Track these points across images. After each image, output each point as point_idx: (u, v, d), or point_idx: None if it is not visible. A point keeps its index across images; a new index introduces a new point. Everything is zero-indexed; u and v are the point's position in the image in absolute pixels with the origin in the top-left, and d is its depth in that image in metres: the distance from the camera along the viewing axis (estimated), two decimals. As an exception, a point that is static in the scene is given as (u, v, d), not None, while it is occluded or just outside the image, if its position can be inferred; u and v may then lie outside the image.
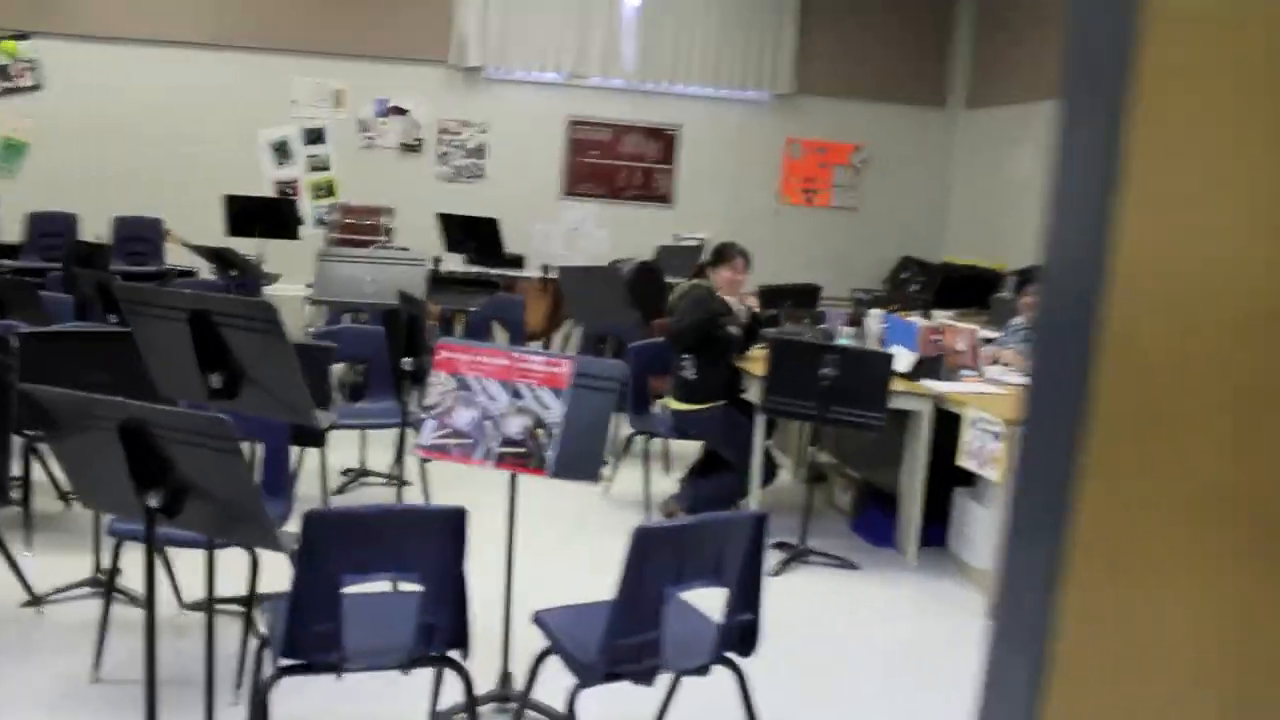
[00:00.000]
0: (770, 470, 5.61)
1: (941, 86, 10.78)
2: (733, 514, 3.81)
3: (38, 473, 4.97)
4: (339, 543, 2.52)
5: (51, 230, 8.96)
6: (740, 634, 2.83)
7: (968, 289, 9.08)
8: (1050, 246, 0.84)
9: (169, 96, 9.65)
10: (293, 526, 3.55)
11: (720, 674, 2.84)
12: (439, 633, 2.62)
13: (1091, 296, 0.79)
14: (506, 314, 7.27)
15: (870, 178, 10.78)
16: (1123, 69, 0.76)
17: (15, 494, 4.89)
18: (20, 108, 9.58)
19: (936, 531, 5.25)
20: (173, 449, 2.35)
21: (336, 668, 2.60)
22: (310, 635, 2.52)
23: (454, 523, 2.57)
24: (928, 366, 5.27)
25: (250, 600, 3.68)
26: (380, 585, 3.18)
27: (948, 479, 5.10)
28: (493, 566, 3.32)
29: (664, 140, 10.51)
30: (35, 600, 4.12)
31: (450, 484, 5.08)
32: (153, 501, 2.41)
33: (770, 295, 7.06)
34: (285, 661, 2.59)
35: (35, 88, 9.59)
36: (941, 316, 6.06)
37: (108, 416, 2.37)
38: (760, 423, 5.31)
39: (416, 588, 2.64)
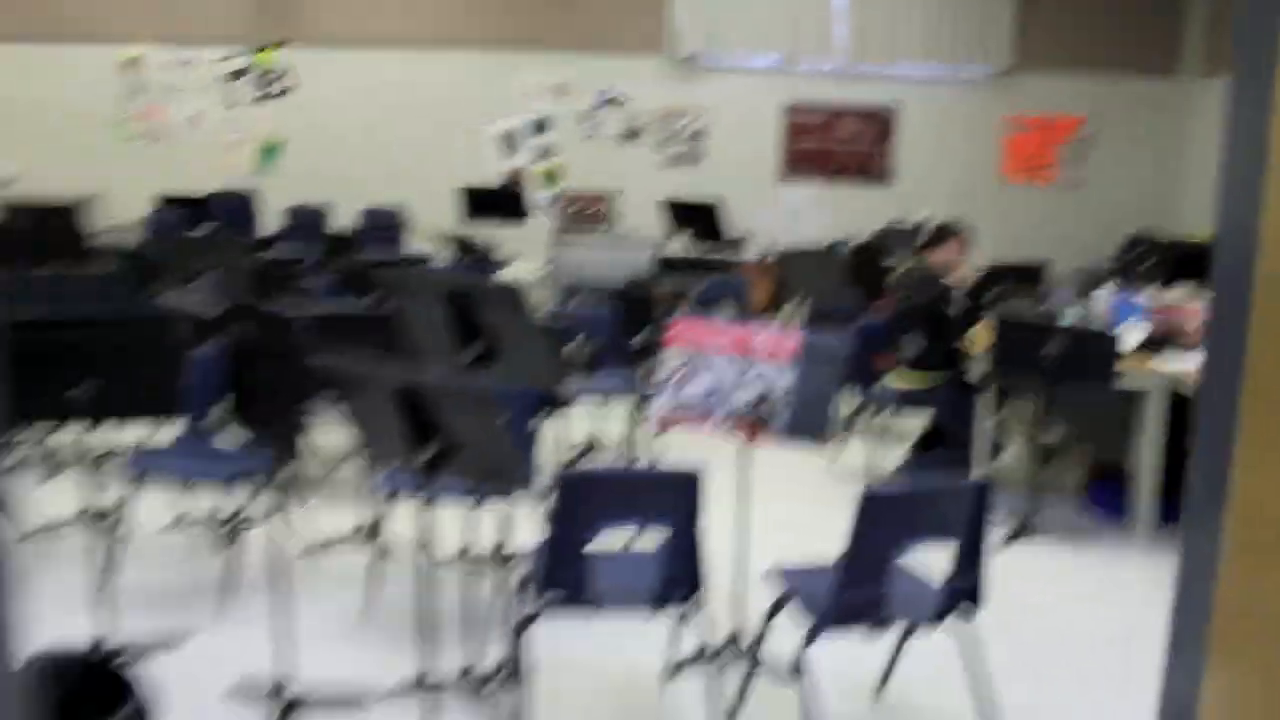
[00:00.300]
0: (996, 447, 5.62)
1: (1173, 53, 10.31)
2: (957, 481, 3.88)
3: (316, 433, 5.51)
4: (589, 499, 2.76)
5: (307, 222, 9.73)
6: (962, 597, 2.92)
7: (1201, 266, 8.68)
8: (1219, 222, 0.89)
9: (407, 95, 10.30)
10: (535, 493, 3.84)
11: (939, 647, 2.94)
12: (678, 583, 2.84)
13: (1246, 273, 0.83)
14: (730, 294, 7.45)
15: (1097, 152, 10.43)
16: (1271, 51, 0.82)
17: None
18: (277, 111, 10.41)
19: (1172, 509, 5.13)
20: (441, 410, 2.63)
21: (591, 603, 2.84)
22: (566, 577, 2.78)
23: (690, 484, 2.78)
24: (1157, 344, 5.16)
25: (503, 555, 4.01)
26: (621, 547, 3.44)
27: (1184, 456, 4.97)
28: (723, 532, 3.52)
29: (881, 121, 10.47)
30: (316, 547, 4.60)
31: (679, 455, 5.31)
32: (425, 456, 2.71)
33: (994, 274, 6.99)
34: (542, 598, 2.86)
35: (289, 92, 10.40)
36: (1173, 294, 5.88)
37: (387, 381, 2.67)
38: (985, 400, 5.33)
39: (657, 543, 2.86)
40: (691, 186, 9.85)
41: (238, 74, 10.42)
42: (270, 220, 9.81)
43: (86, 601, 3.56)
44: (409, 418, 2.70)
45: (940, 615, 2.92)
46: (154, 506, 4.68)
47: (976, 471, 5.35)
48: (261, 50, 10.35)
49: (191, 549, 4.65)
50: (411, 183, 10.02)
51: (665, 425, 3.56)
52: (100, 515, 4.72)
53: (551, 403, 4.29)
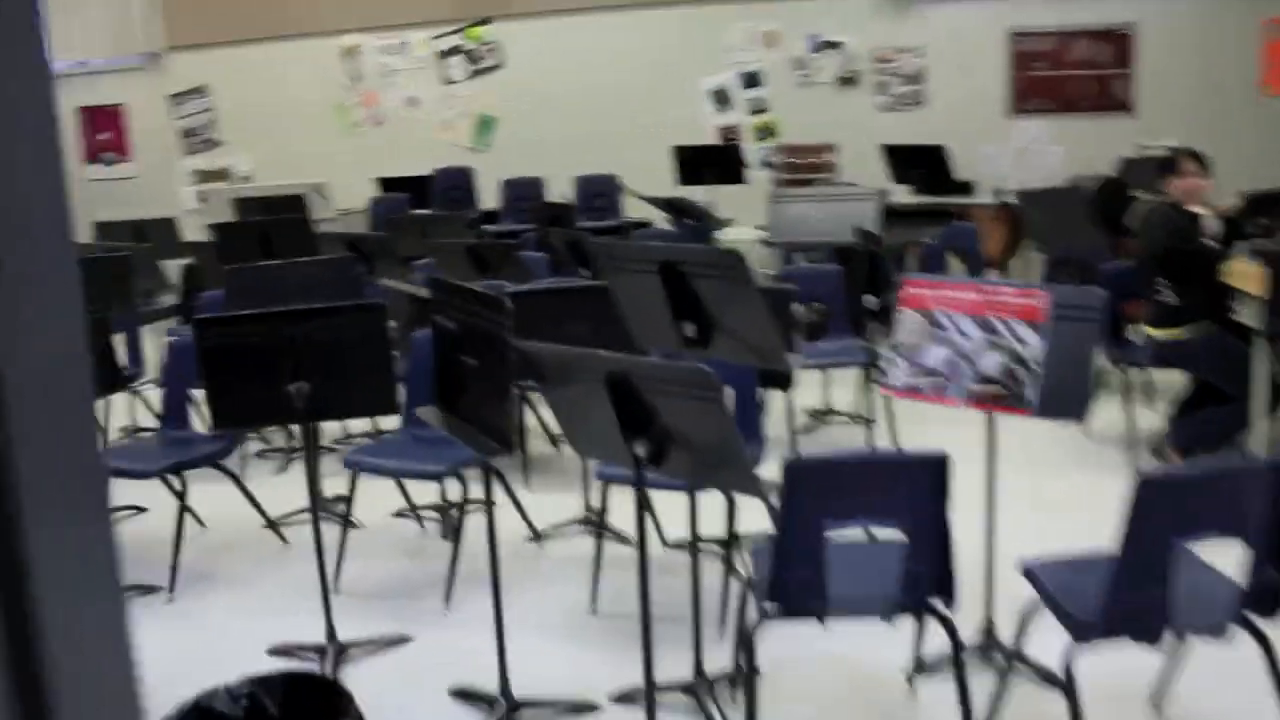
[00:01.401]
0: (1276, 398, 4.98)
1: None
2: (1249, 461, 3.40)
3: (530, 419, 5.44)
4: (819, 490, 2.50)
5: (523, 194, 9.76)
6: (1263, 593, 2.51)
7: None
8: None
9: (613, 59, 10.15)
10: (765, 469, 3.61)
11: (1231, 649, 2.54)
12: (923, 581, 2.54)
13: None
14: (961, 243, 6.98)
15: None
16: None
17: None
18: (488, 86, 10.48)
19: None
20: (656, 399, 2.42)
21: (820, 614, 2.59)
22: (794, 581, 2.53)
23: (936, 469, 2.47)
24: None
25: (729, 542, 3.80)
26: (860, 534, 3.17)
27: None
28: (969, 510, 3.19)
29: (1118, 42, 9.59)
30: (537, 536, 4.51)
31: (916, 422, 4.96)
32: (639, 450, 2.50)
33: (1258, 202, 6.24)
34: (770, 605, 2.62)
35: (498, 66, 10.44)
36: None
37: (594, 369, 2.48)
38: (1261, 346, 4.72)
39: (897, 535, 2.57)
40: (915, 130, 9.30)
41: (449, 53, 10.53)
42: (489, 196, 9.90)
43: (316, 595, 3.56)
44: (621, 407, 2.51)
45: (1235, 619, 2.51)
46: (380, 495, 4.70)
47: (1256, 434, 4.75)
48: (470, 27, 10.42)
49: (417, 539, 4.66)
50: (624, 148, 9.89)
51: (902, 396, 3.25)
52: (328, 506, 4.79)
53: (776, 377, 4.03)
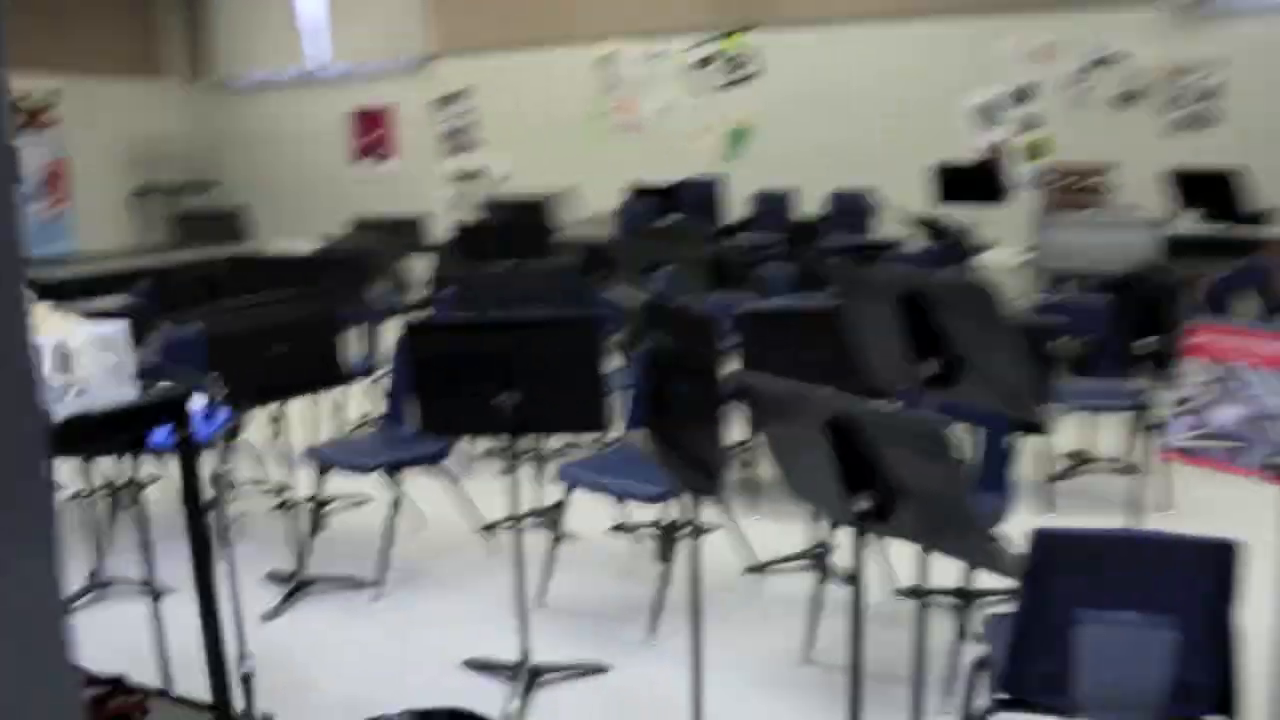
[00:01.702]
0: None
1: None
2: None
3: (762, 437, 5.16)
4: (1073, 569, 2.11)
5: (772, 207, 9.48)
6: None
7: None
8: None
9: (875, 71, 9.72)
10: (1011, 523, 3.20)
11: None
12: (1197, 691, 2.10)
13: None
14: (1255, 281, 6.21)
15: None
16: None
17: (742, 459, 5.11)
18: (744, 95, 10.25)
19: None
20: (881, 449, 2.10)
21: (1063, 713, 2.19)
22: (1035, 672, 2.15)
23: (1221, 558, 2.03)
24: None
25: (965, 596, 3.40)
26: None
27: None
28: (1259, 603, 2.69)
29: None
30: (757, 568, 4.22)
31: (1193, 481, 4.38)
32: (861, 504, 2.18)
33: None
34: (1003, 695, 2.24)
35: (756, 76, 10.20)
36: None
37: (813, 410, 2.18)
38: None
39: (1169, 631, 2.14)
40: (1206, 152, 8.44)
41: (705, 62, 10.37)
42: (738, 207, 9.68)
43: (517, 609, 3.40)
44: (841, 454, 2.19)
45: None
46: (597, 507, 4.52)
47: None
48: (728, 36, 10.23)
49: (629, 558, 4.46)
50: (880, 164, 9.45)
51: (1184, 461, 2.77)
52: (543, 515, 4.66)
53: (1030, 426, 3.59)
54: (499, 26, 11.03)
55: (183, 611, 3.21)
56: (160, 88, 13.11)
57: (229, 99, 13.08)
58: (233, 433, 4.81)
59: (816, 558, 4.06)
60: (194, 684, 2.90)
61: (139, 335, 5.50)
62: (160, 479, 5.23)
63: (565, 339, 3.33)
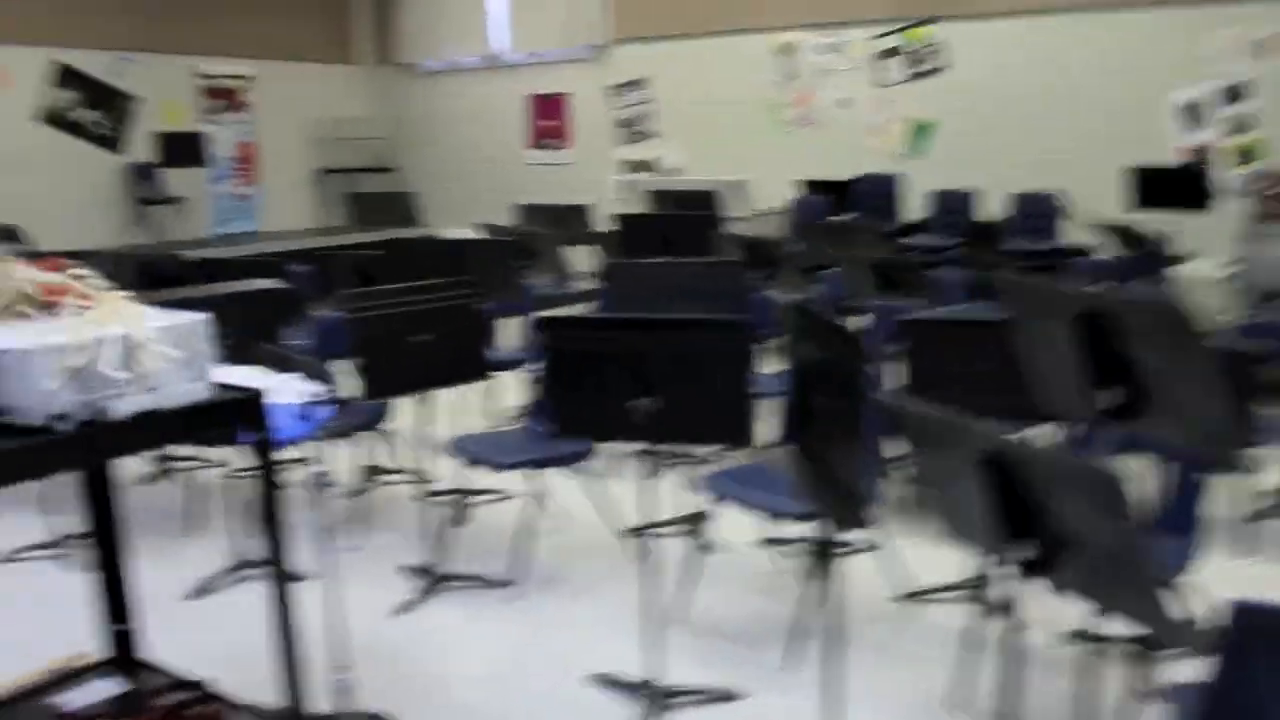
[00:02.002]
0: None
1: None
2: None
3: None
4: (1275, 651, 1.78)
5: (952, 208, 9.04)
6: None
7: None
8: None
9: (1070, 64, 9.15)
10: (1197, 571, 2.83)
11: None
12: None
13: None
14: None
15: None
16: None
17: (900, 475, 4.80)
18: (927, 90, 9.81)
19: None
20: (1044, 494, 1.82)
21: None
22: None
23: None
24: None
25: (1146, 643, 3.05)
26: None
27: None
28: None
29: None
30: (909, 596, 3.93)
31: None
32: (1020, 553, 1.91)
33: None
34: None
35: (940, 70, 9.74)
36: None
37: (967, 443, 1.91)
38: None
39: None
40: None
41: (888, 54, 9.97)
42: (915, 207, 9.27)
43: (654, 620, 3.22)
44: (998, 495, 1.92)
45: None
46: (742, 520, 4.30)
47: None
48: (913, 27, 9.80)
49: (775, 575, 4.21)
50: (1071, 165, 8.89)
51: None
52: (687, 523, 4.46)
53: (1227, 465, 3.20)
54: (678, 14, 10.87)
55: (308, 599, 3.17)
56: (347, 72, 13.46)
57: (412, 83, 13.32)
58: (376, 420, 4.77)
59: (976, 590, 3.75)
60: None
61: (292, 318, 5.56)
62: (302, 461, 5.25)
63: (711, 343, 3.12)
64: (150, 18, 11.46)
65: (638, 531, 4.49)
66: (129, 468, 5.58)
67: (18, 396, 1.57)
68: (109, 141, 11.37)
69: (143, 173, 11.50)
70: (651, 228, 6.24)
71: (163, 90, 11.73)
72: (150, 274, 5.39)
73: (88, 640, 2.37)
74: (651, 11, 11.08)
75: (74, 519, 4.60)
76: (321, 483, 5.33)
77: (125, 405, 1.63)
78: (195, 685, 1.97)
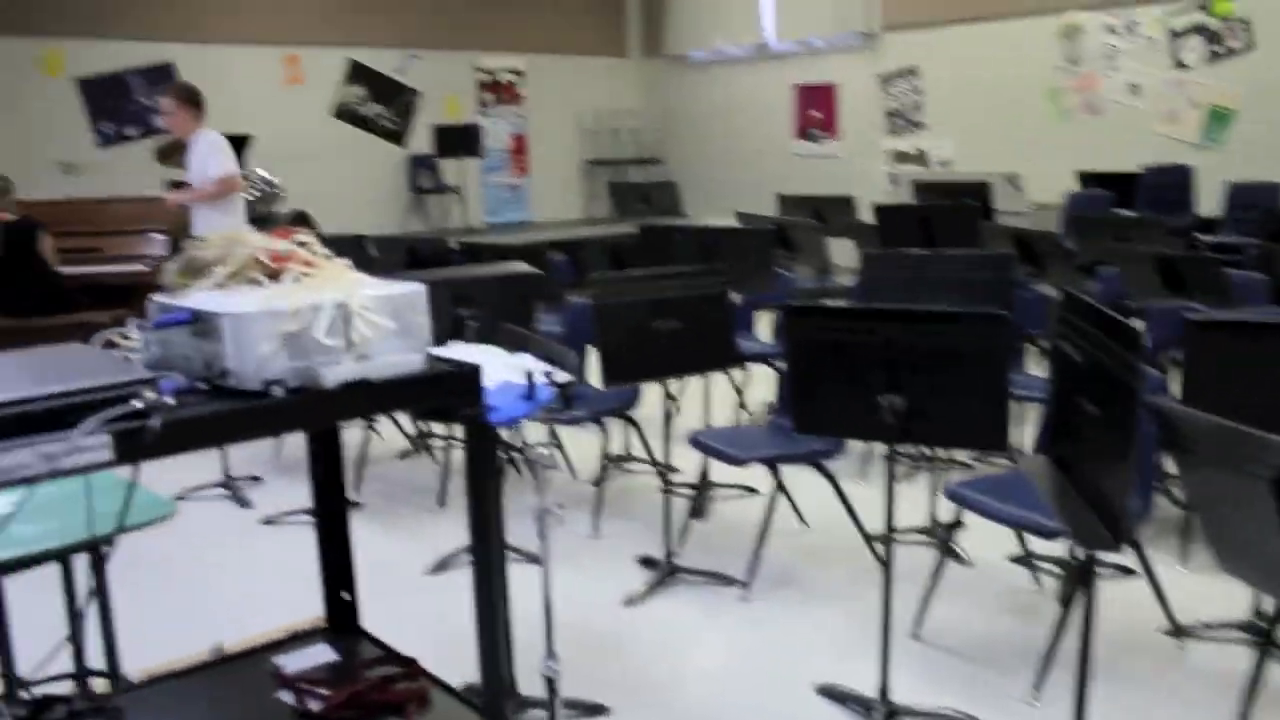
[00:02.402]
0: None
1: None
2: None
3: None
4: None
5: (1253, 202, 8.22)
6: None
7: None
8: None
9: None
10: None
11: None
12: None
13: None
14: None
15: None
16: None
17: (1174, 495, 4.38)
18: (1228, 72, 8.96)
19: None
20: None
21: None
22: None
23: None
24: None
25: None
26: None
27: None
28: None
29: None
30: (1178, 631, 3.54)
31: None
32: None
33: None
34: None
35: (1245, 50, 8.87)
36: None
37: (1262, 460, 1.64)
38: None
39: None
40: None
41: (1184, 33, 9.17)
42: (1210, 201, 8.50)
43: (891, 631, 3.02)
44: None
45: None
46: (994, 533, 4.01)
47: None
48: (1216, 2, 8.97)
49: (1029, 595, 3.90)
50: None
51: None
52: (938, 533, 4.21)
53: None
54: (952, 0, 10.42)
55: (561, 581, 3.14)
56: (617, 64, 13.67)
57: (680, 75, 13.38)
58: (624, 407, 4.75)
59: (1257, 631, 3.34)
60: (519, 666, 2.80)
61: (544, 302, 5.63)
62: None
63: (967, 337, 2.89)
64: (434, 16, 12.01)
65: (880, 538, 4.27)
66: (390, 443, 5.82)
67: (235, 360, 1.58)
68: (393, 134, 11.99)
69: (422, 163, 12.07)
70: (914, 219, 5.96)
71: (444, 85, 12.26)
72: (414, 256, 5.59)
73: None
74: (924, -3, 10.68)
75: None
76: (546, 465, 5.35)
77: (337, 372, 1.61)
78: (408, 661, 1.95)
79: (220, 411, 1.54)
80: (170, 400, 1.52)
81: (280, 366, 1.59)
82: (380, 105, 11.87)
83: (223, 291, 1.75)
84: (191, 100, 6.28)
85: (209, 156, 6.18)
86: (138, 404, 1.45)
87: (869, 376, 2.97)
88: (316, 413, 1.63)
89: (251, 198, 7.29)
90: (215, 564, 4.38)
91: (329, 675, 1.93)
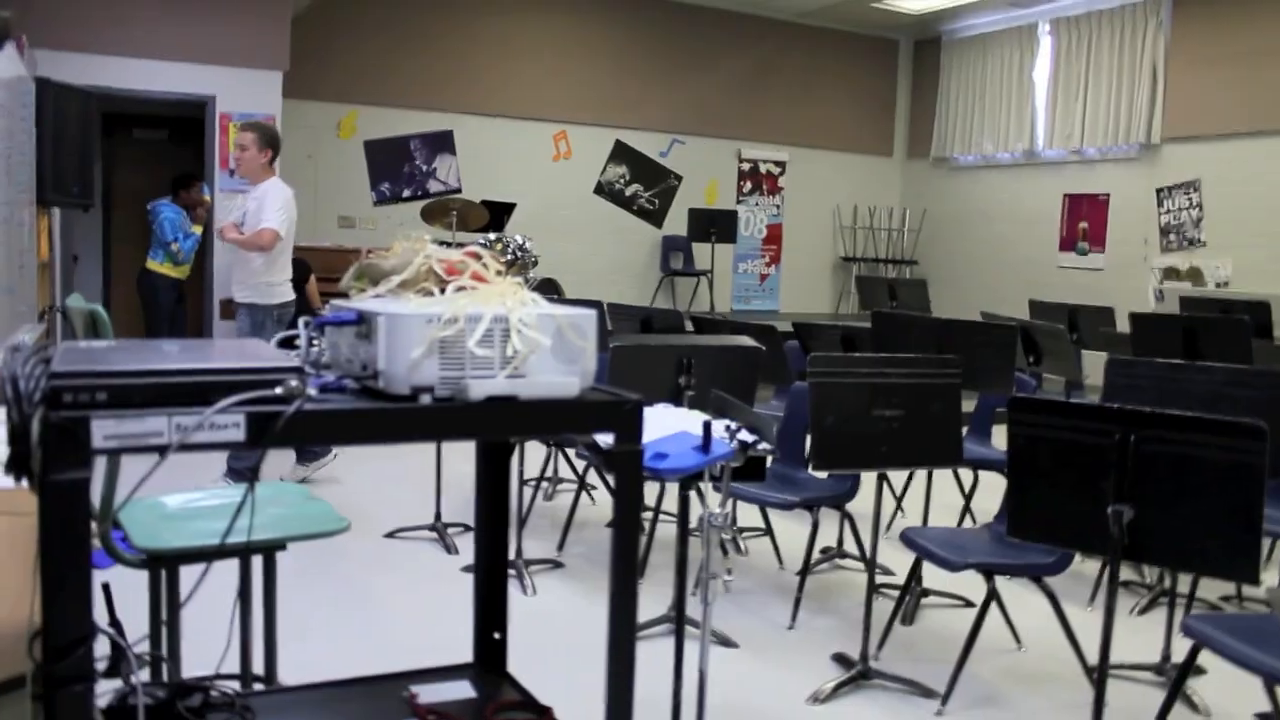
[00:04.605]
0: None
1: None
2: None
3: None
4: None
5: None
6: None
7: None
8: None
9: None
10: None
11: None
12: None
13: None
14: None
15: None
16: None
17: None
18: None
19: None
20: None
21: None
22: None
23: None
24: None
25: None
26: None
27: None
28: None
29: None
30: None
31: None
32: None
33: None
34: None
35: None
36: None
37: None
38: None
39: None
40: None
41: None
42: None
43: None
44: None
45: None
46: (1243, 683, 3.54)
47: None
48: None
49: None
50: None
51: None
52: (1163, 672, 3.76)
53: None
54: (1236, 109, 9.72)
55: (749, 668, 2.93)
56: (878, 163, 13.52)
57: (943, 177, 13.08)
58: (842, 498, 4.53)
59: None
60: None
61: (772, 383, 5.46)
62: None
63: (1215, 448, 2.57)
64: (701, 104, 12.25)
65: (1099, 668, 3.85)
66: (603, 507, 5.78)
67: (386, 361, 1.54)
68: (651, 215, 12.21)
69: (675, 245, 12.22)
70: (1176, 331, 5.49)
71: (705, 170, 12.44)
72: (646, 326, 5.55)
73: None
74: (1207, 107, 10.01)
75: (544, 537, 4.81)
76: (715, 524, 5.17)
77: (484, 386, 1.54)
78: (544, 709, 1.84)
79: (357, 409, 1.49)
80: (312, 392, 1.49)
81: (430, 373, 1.54)
82: (640, 185, 12.14)
83: (394, 297, 1.73)
84: (270, 143, 5.90)
85: (267, 206, 5.79)
86: (278, 390, 1.43)
87: (1099, 482, 2.68)
88: (455, 424, 1.56)
89: (507, 260, 7.50)
90: (405, 600, 4.42)
91: (459, 709, 1.84)
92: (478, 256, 1.74)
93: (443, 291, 1.70)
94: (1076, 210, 11.37)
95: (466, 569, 4.80)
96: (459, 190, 10.87)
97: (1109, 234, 11.02)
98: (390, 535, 5.23)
